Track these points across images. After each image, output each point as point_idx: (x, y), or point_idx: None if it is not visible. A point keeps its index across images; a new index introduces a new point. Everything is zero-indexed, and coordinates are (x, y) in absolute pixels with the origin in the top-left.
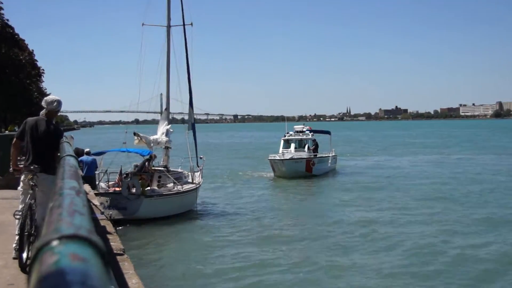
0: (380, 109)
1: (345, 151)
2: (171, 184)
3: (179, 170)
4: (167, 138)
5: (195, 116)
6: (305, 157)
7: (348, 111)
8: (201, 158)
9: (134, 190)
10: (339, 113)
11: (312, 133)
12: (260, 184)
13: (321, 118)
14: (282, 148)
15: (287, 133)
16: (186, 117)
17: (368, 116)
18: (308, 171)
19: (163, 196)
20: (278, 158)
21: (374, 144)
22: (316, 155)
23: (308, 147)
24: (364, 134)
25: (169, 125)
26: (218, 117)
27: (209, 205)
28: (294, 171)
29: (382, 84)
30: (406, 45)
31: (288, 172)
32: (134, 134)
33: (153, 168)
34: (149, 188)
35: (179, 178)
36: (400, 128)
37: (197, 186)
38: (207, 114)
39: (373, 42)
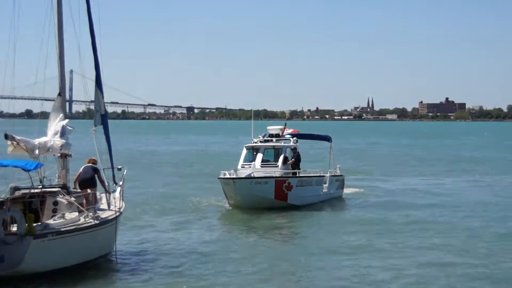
0: (421, 102)
1: (362, 169)
2: (75, 214)
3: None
4: (63, 141)
5: (125, 108)
6: (277, 175)
7: (370, 105)
8: (119, 169)
9: (14, 228)
10: (356, 108)
11: (295, 138)
12: (209, 218)
13: (327, 116)
14: (243, 161)
15: (259, 137)
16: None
17: (402, 113)
18: (279, 198)
19: (62, 235)
20: (229, 176)
21: (417, 160)
22: (296, 173)
23: (286, 159)
24: (395, 143)
25: (66, 120)
26: (162, 110)
27: (131, 251)
28: (254, 199)
29: (423, 66)
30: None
31: (244, 199)
32: (6, 137)
33: (44, 189)
34: (39, 223)
35: (87, 204)
36: (456, 133)
37: (117, 215)
38: (145, 105)
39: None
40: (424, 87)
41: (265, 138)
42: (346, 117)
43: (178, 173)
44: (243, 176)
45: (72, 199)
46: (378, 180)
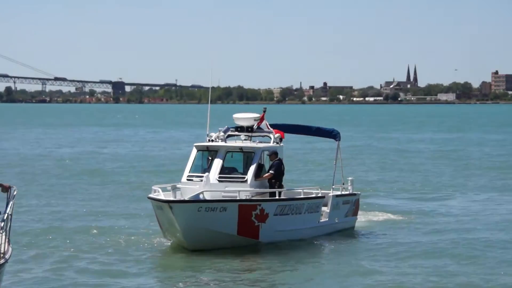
0: (496, 73)
1: (394, 182)
2: None
3: None
4: None
5: (12, 83)
6: (243, 196)
7: (412, 79)
8: (4, 190)
9: None
10: (388, 84)
11: (277, 135)
12: (138, 264)
13: (341, 96)
14: (192, 170)
15: (219, 131)
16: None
17: (464, 92)
18: (246, 234)
19: None
20: (162, 197)
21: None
22: (275, 193)
23: (260, 170)
24: (456, 139)
25: None
26: (73, 88)
27: None
28: (204, 236)
29: (495, 20)
30: None
31: (188, 236)
32: None
33: None
34: None
35: None
36: None
37: (2, 262)
38: (45, 80)
39: None
40: (499, 52)
41: (228, 134)
42: (372, 99)
43: (96, 189)
44: (187, 197)
45: None
46: (421, 200)
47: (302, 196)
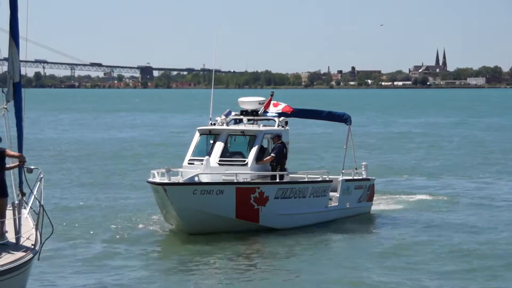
0: None
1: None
2: None
3: None
4: None
5: (41, 68)
6: (240, 179)
7: (441, 63)
8: (29, 171)
9: None
10: (417, 68)
11: (282, 118)
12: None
13: (369, 81)
14: (194, 154)
15: (221, 116)
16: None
17: (494, 76)
18: (245, 217)
19: None
20: (158, 180)
21: None
22: (276, 176)
23: (262, 154)
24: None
25: None
26: (101, 73)
27: None
28: (201, 219)
29: None
30: None
31: (184, 219)
32: None
33: None
34: None
35: None
36: None
37: (30, 256)
38: (74, 65)
39: None
40: None
41: (232, 118)
42: (401, 83)
43: (122, 176)
44: (184, 179)
45: None
46: (449, 186)
47: (306, 180)
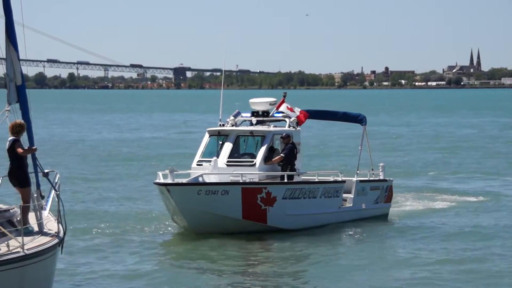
0: None
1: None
2: None
3: (1, 205)
4: None
5: (75, 69)
6: (246, 179)
7: (475, 63)
8: (45, 175)
9: None
10: (451, 68)
11: (293, 119)
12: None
13: (402, 81)
14: (203, 155)
15: (231, 117)
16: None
17: None
18: (252, 218)
19: None
20: (163, 180)
21: None
22: (284, 176)
23: (271, 154)
24: None
25: None
26: (135, 74)
27: None
28: (206, 220)
29: None
30: None
31: (190, 220)
32: None
33: None
34: None
35: (8, 223)
36: None
37: (57, 241)
38: (108, 66)
39: None
40: None
41: (244, 118)
42: (434, 83)
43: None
44: (189, 179)
45: None
46: (479, 189)
47: (316, 180)
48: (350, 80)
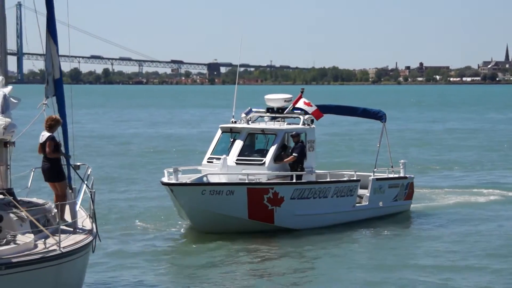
0: None
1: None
2: (29, 236)
3: (36, 200)
4: (7, 120)
5: (110, 65)
6: (252, 179)
7: (511, 58)
8: (77, 166)
9: None
10: (486, 64)
11: (308, 116)
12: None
13: (437, 77)
14: (214, 152)
15: (243, 114)
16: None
17: None
18: (259, 218)
19: (13, 269)
20: (167, 180)
21: None
22: (293, 176)
23: (282, 153)
24: None
25: (9, 87)
26: (169, 70)
27: None
28: (211, 219)
29: None
30: None
31: (194, 219)
32: None
33: None
34: None
35: (44, 219)
36: None
37: (90, 239)
38: (142, 62)
39: None
40: None
41: (259, 114)
42: (469, 79)
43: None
44: (193, 179)
45: (24, 212)
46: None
47: (327, 180)
48: (384, 75)
